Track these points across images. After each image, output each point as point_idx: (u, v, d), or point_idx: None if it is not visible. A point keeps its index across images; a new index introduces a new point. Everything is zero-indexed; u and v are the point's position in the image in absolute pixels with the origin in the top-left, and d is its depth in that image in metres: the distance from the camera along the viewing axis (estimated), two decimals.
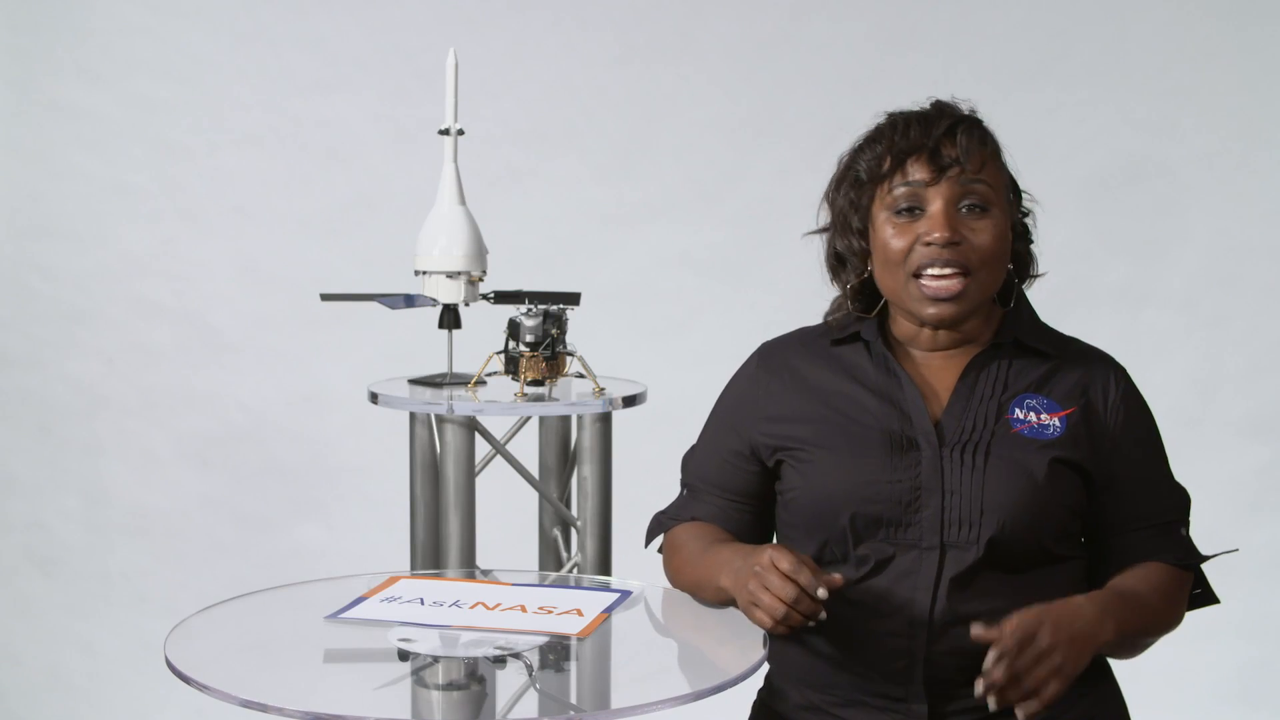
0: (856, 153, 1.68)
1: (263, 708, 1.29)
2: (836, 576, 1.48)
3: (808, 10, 3.68)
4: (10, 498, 3.79)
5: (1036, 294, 1.77)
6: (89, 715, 3.74)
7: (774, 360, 1.75)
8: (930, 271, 1.59)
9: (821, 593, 1.46)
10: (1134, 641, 1.60)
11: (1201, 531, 1.77)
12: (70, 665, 3.77)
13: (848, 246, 1.69)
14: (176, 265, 3.75)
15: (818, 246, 1.76)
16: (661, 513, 1.84)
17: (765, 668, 1.63)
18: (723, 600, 1.61)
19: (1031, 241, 1.72)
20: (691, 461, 1.82)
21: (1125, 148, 3.61)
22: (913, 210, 1.60)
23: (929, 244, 1.58)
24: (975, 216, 1.60)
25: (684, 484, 1.83)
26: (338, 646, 1.57)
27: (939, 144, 1.59)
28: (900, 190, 1.60)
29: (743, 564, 1.54)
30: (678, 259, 3.71)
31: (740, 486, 1.75)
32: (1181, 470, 1.74)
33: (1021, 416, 1.61)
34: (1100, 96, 3.60)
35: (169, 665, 1.40)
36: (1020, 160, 1.75)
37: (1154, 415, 1.71)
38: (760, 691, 1.76)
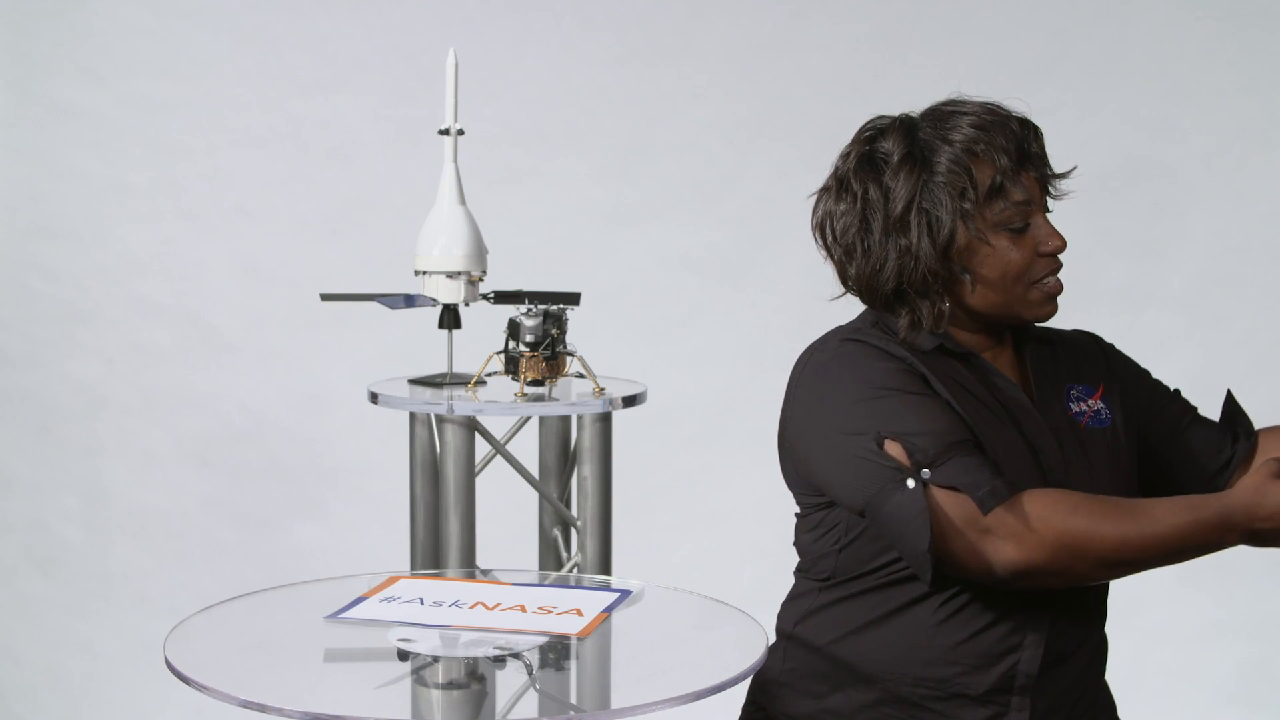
0: (935, 160, 1.57)
1: (262, 708, 1.29)
2: None
3: (808, 11, 3.68)
4: (10, 498, 3.79)
5: None
6: (89, 715, 3.74)
7: (892, 351, 1.60)
8: (1050, 278, 1.60)
9: None
10: None
11: None
12: (70, 665, 3.77)
13: (945, 264, 1.57)
14: (176, 265, 3.75)
15: (812, 246, 1.68)
16: (989, 482, 1.48)
17: (748, 681, 1.59)
18: (1175, 563, 1.51)
19: None
20: (930, 431, 1.51)
21: (1125, 148, 3.61)
22: (1025, 225, 1.59)
23: (1047, 254, 1.59)
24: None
25: (938, 454, 1.50)
26: (338, 646, 1.57)
27: (1036, 158, 1.60)
28: (1014, 208, 1.57)
29: (1233, 510, 1.45)
30: (678, 259, 3.71)
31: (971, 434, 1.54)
32: None
33: (1078, 409, 1.64)
34: (1100, 96, 3.61)
35: (168, 665, 1.39)
36: None
37: None
38: (756, 700, 1.73)
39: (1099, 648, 1.65)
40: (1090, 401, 1.65)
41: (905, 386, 1.55)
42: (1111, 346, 1.76)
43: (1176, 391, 1.75)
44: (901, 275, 1.58)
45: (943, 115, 1.59)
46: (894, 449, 1.51)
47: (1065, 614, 1.57)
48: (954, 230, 1.56)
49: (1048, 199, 1.62)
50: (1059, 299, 1.61)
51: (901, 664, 1.58)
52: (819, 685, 1.63)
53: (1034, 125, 1.61)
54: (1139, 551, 1.46)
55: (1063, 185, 1.64)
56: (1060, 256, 1.60)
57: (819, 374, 1.61)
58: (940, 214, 1.56)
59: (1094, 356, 1.72)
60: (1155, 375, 1.76)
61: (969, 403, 1.57)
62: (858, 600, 1.61)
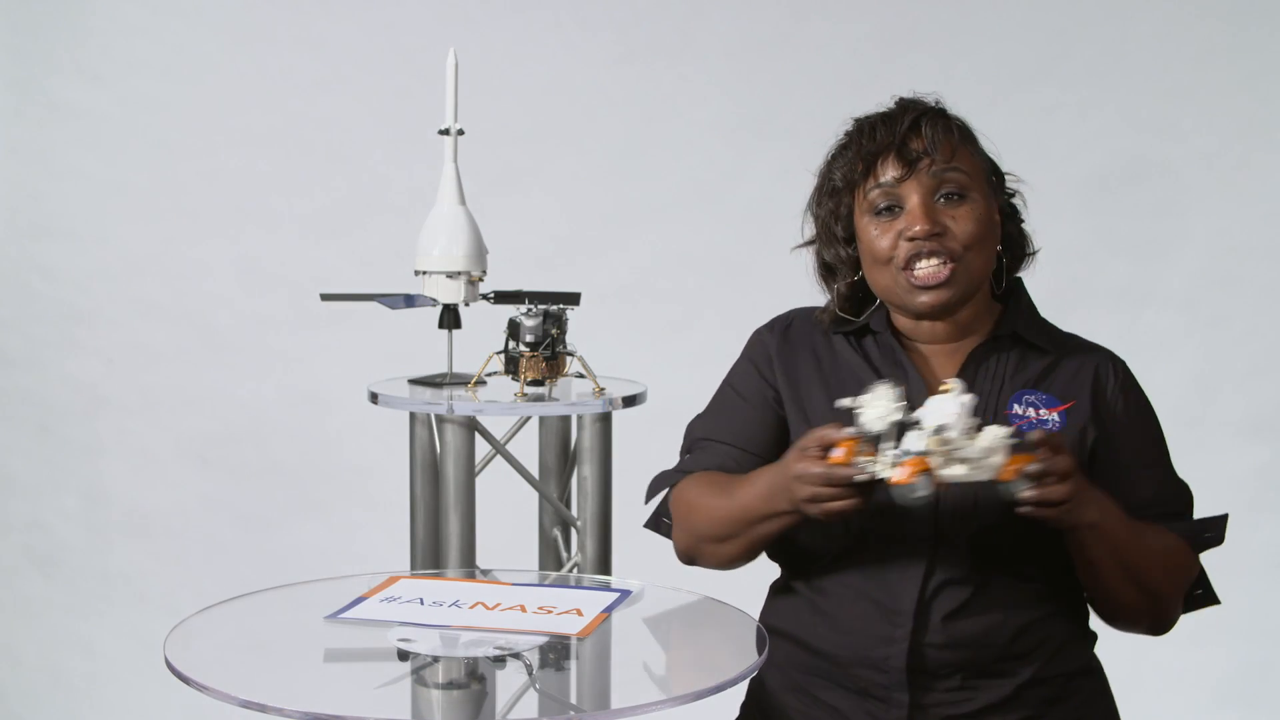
0: (830, 163, 1.71)
1: (262, 708, 1.29)
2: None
3: (808, 10, 3.68)
4: (10, 498, 3.79)
5: (1038, 293, 1.77)
6: (89, 715, 3.74)
7: (790, 332, 1.76)
8: (918, 264, 1.61)
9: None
10: (1113, 559, 1.54)
11: None
12: (70, 665, 3.77)
13: (835, 255, 1.72)
14: (176, 265, 3.75)
15: (808, 254, 1.79)
16: (665, 471, 1.79)
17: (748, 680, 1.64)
18: (767, 533, 1.59)
19: (1022, 221, 1.73)
20: (701, 422, 1.80)
21: (1125, 148, 3.61)
22: (892, 208, 1.63)
23: (912, 238, 1.60)
24: (954, 205, 1.62)
25: (690, 445, 1.80)
26: (338, 646, 1.57)
27: (905, 139, 1.62)
28: (875, 191, 1.63)
29: (777, 477, 1.52)
30: (678, 259, 3.71)
31: (757, 435, 1.72)
32: (1182, 470, 1.74)
33: (1020, 413, 1.62)
34: (1100, 96, 3.60)
35: (169, 665, 1.40)
36: (1020, 160, 1.75)
37: (1155, 411, 1.71)
38: (751, 680, 1.77)
39: (1017, 645, 1.59)
40: (1043, 411, 1.63)
41: (737, 384, 1.76)
42: (1131, 389, 1.69)
43: (1156, 496, 1.66)
44: (821, 252, 1.74)
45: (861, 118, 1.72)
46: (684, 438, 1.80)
47: (933, 609, 1.57)
48: (829, 225, 1.70)
49: (943, 188, 1.61)
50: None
51: (796, 648, 1.67)
52: (767, 665, 1.70)
53: (920, 109, 1.65)
54: (729, 524, 1.61)
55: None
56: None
57: None
58: (822, 209, 1.71)
59: (1084, 381, 1.66)
60: (1155, 377, 1.75)
61: (859, 377, 1.64)
62: (777, 587, 1.76)
